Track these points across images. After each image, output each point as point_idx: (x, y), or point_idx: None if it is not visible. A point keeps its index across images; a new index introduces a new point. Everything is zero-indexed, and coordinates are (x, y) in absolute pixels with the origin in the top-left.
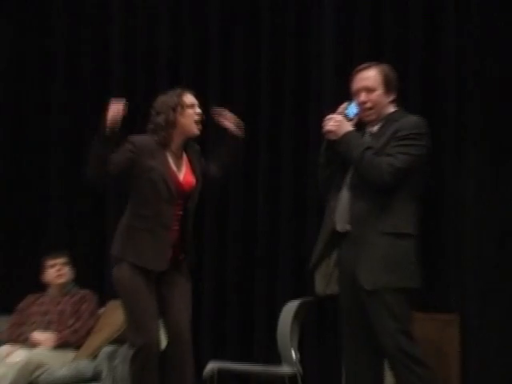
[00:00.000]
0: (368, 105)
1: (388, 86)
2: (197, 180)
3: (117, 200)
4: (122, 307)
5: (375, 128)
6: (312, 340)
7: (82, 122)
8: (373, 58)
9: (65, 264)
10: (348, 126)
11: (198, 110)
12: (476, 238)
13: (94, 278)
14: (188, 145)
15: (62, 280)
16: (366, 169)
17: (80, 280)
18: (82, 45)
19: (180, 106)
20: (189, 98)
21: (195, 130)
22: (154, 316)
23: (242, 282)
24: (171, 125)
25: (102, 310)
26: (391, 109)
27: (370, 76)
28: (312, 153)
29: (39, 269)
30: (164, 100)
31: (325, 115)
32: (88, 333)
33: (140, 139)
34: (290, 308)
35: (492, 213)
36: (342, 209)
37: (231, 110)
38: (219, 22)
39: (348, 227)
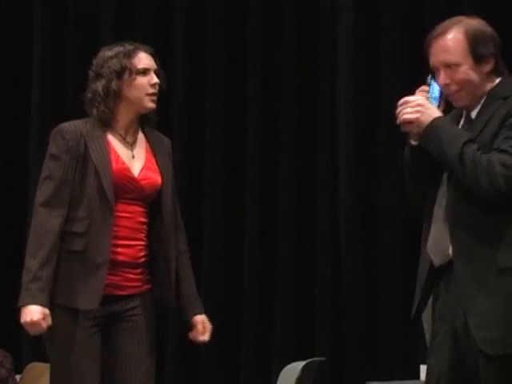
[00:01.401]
0: (453, 88)
1: (479, 53)
2: (163, 178)
3: None
4: (51, 367)
5: (474, 112)
6: None
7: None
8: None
9: None
10: (435, 112)
11: (155, 79)
12: None
13: (7, 333)
14: (153, 134)
15: None
16: (469, 172)
17: None
18: None
19: (128, 72)
20: (142, 61)
21: (148, 103)
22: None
23: (225, 335)
24: (113, 96)
25: (18, 378)
26: (494, 81)
27: (448, 45)
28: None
29: None
30: (107, 59)
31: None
32: None
33: (70, 123)
34: (290, 372)
35: None
36: (437, 235)
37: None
38: None
39: (448, 259)
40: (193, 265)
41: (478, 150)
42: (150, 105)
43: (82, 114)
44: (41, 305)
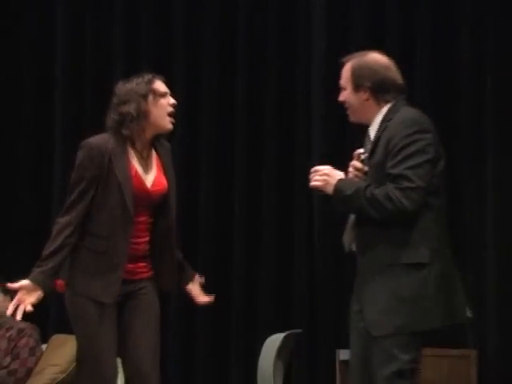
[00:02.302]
0: (345, 105)
1: (356, 83)
2: (169, 183)
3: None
4: (77, 341)
5: (372, 133)
6: (300, 381)
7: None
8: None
9: None
10: (336, 177)
11: (172, 101)
12: (497, 267)
13: (34, 307)
14: (158, 142)
15: None
16: (380, 209)
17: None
18: None
19: (152, 95)
20: (161, 86)
21: (168, 124)
22: (110, 354)
23: (215, 310)
24: (143, 115)
25: (44, 347)
26: (383, 107)
27: (343, 71)
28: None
29: None
30: (131, 87)
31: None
32: (28, 374)
33: (97, 139)
34: (272, 342)
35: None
36: (349, 228)
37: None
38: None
39: (349, 249)
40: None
41: (376, 187)
42: (170, 126)
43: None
44: (32, 280)
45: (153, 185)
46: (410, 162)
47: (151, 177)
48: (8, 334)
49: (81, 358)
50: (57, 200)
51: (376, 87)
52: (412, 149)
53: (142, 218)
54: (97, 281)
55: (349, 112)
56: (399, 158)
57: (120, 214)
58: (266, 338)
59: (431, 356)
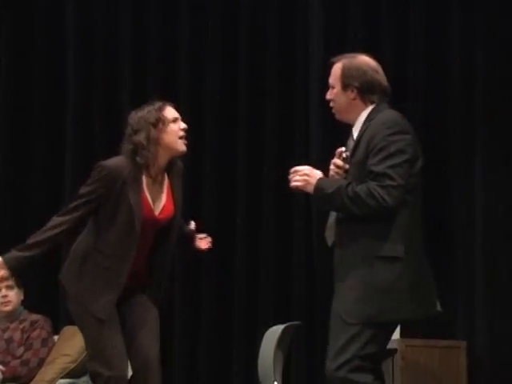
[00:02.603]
0: (331, 103)
1: (345, 83)
2: (175, 208)
3: None
4: (84, 340)
5: (355, 133)
6: (299, 371)
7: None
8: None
9: (10, 288)
10: (316, 177)
11: (183, 125)
12: (487, 258)
13: (47, 300)
14: (172, 164)
15: (7, 308)
16: (362, 206)
17: (30, 302)
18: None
19: (161, 122)
20: (171, 112)
21: (181, 146)
22: (121, 347)
23: (217, 303)
24: (154, 142)
25: (55, 338)
26: (368, 107)
27: (333, 71)
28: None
29: None
30: (141, 116)
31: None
32: (40, 364)
33: (115, 164)
34: (272, 334)
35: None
36: (329, 224)
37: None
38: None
39: (331, 244)
40: None
41: (357, 185)
42: (183, 148)
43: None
44: (5, 260)
45: (160, 212)
46: (391, 162)
47: (160, 204)
48: (21, 326)
49: (90, 353)
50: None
51: (363, 88)
52: (392, 149)
53: (146, 240)
54: (98, 299)
55: (334, 110)
56: (380, 156)
57: (127, 235)
58: (267, 330)
59: (423, 346)
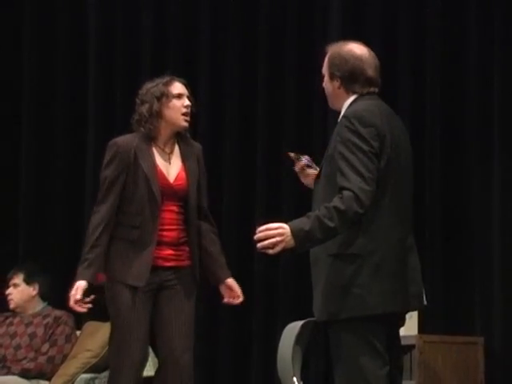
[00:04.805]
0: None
1: (330, 71)
2: (191, 179)
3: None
4: (111, 325)
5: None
6: (318, 366)
7: None
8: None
9: (15, 285)
10: (286, 227)
11: (187, 102)
12: (503, 255)
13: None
14: (184, 141)
15: (11, 306)
16: (343, 223)
17: (54, 297)
18: None
19: (165, 96)
20: (176, 88)
21: (182, 122)
22: (140, 338)
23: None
24: (155, 116)
25: (78, 333)
26: (350, 98)
27: (324, 59)
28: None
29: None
30: (149, 88)
31: None
32: (63, 361)
33: (122, 138)
34: (291, 330)
35: None
36: None
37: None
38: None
39: None
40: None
41: (325, 207)
42: (184, 124)
43: (128, 129)
44: (83, 279)
45: (175, 179)
46: (350, 160)
47: (174, 172)
48: (45, 322)
49: (112, 340)
50: (89, 199)
51: (345, 77)
52: (353, 149)
53: (171, 208)
54: (130, 267)
55: (327, 97)
56: (342, 166)
57: (148, 205)
58: (286, 325)
59: (440, 342)
